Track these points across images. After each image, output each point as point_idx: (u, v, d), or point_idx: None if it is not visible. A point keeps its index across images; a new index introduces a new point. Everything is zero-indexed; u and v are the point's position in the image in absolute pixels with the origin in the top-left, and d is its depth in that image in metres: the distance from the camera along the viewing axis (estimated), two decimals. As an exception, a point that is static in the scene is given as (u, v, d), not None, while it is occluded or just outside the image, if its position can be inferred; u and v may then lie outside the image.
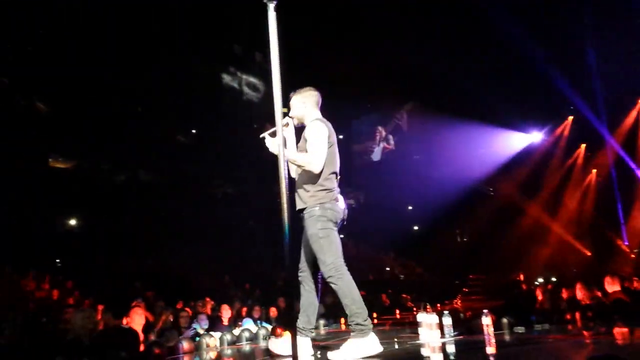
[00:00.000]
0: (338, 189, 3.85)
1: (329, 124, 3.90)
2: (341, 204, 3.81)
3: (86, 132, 15.25)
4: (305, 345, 3.82)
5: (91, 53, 13.33)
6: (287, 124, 3.87)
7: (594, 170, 18.17)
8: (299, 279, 3.95)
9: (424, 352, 4.39)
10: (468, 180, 18.20)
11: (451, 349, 4.27)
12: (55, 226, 15.53)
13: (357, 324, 3.64)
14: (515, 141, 18.04)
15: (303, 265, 3.94)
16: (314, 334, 3.94)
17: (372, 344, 3.59)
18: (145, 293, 10.36)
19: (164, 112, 16.28)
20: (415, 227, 22.63)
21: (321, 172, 3.73)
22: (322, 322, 7.06)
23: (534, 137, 18.14)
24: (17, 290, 10.20)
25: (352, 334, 3.69)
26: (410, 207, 22.67)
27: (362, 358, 3.52)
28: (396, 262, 20.65)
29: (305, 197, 3.75)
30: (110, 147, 16.18)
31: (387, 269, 20.26)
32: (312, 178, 3.74)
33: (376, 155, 20.62)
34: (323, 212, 3.70)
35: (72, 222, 16.53)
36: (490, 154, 17.98)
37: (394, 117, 20.43)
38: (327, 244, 3.68)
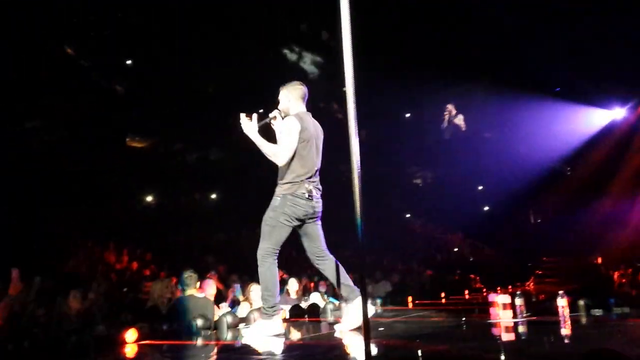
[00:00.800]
0: (310, 184, 3.98)
1: (308, 120, 4.09)
2: (311, 200, 3.96)
3: (161, 113, 15.84)
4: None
5: (167, 34, 13.74)
6: (274, 117, 4.15)
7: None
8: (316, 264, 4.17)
9: (495, 331, 4.30)
10: (544, 159, 17.47)
11: (524, 329, 4.16)
12: (134, 202, 16.31)
13: (264, 308, 4.03)
14: (596, 118, 17.06)
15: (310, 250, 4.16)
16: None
17: (275, 326, 3.98)
18: (217, 267, 10.73)
19: (234, 93, 16.62)
20: (486, 208, 22.07)
21: (289, 166, 3.95)
22: (378, 301, 7.04)
23: (616, 113, 17.08)
24: (99, 262, 10.84)
25: (261, 316, 4.13)
26: (480, 187, 22.09)
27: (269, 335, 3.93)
28: (465, 243, 20.27)
29: (277, 187, 4.03)
30: (183, 126, 16.73)
31: (455, 249, 19.93)
32: (283, 171, 3.99)
33: (446, 134, 20.14)
34: (282, 203, 3.94)
35: (149, 198, 17.29)
36: (568, 131, 17.09)
37: (464, 95, 19.86)
38: (267, 232, 3.96)
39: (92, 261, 10.79)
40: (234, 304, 6.17)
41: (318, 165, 4.10)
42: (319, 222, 4.14)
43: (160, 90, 15.38)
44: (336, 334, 4.17)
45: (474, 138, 19.30)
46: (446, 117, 20.25)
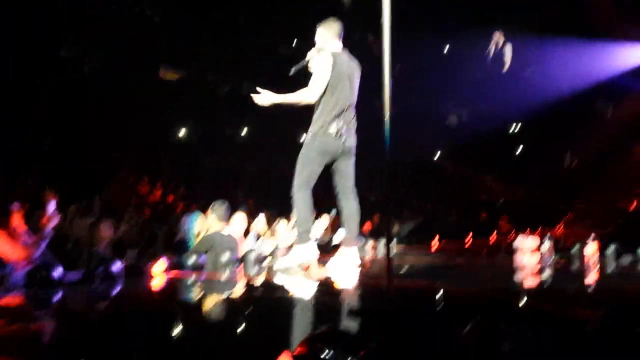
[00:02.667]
0: (341, 121, 4.01)
1: (342, 57, 4.09)
2: (343, 136, 4.01)
3: (194, 45, 15.68)
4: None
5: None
6: (310, 59, 4.14)
7: None
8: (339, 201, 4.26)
9: (520, 275, 4.28)
10: (584, 98, 16.80)
11: (549, 273, 4.12)
12: (166, 135, 16.49)
13: (299, 233, 4.15)
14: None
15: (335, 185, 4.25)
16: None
17: (309, 249, 4.05)
18: (247, 200, 10.89)
19: (268, 26, 16.27)
20: (520, 148, 21.60)
21: (321, 103, 3.99)
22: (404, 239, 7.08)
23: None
24: (132, 194, 11.10)
25: (296, 241, 4.22)
26: (515, 125, 21.54)
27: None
28: (496, 183, 20.01)
29: (311, 124, 4.08)
30: (215, 60, 16.58)
31: (485, 190, 19.71)
32: (316, 108, 4.03)
33: (492, 64, 19.30)
34: (312, 140, 4.03)
35: (182, 131, 17.46)
36: (612, 68, 16.28)
37: (506, 30, 18.94)
38: (300, 167, 4.05)
39: (126, 193, 11.07)
40: (258, 237, 6.26)
41: (352, 101, 4.13)
42: (352, 159, 4.17)
43: (194, 22, 15.16)
44: (355, 270, 4.20)
45: (513, 75, 18.62)
46: (492, 46, 19.40)
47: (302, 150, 4.08)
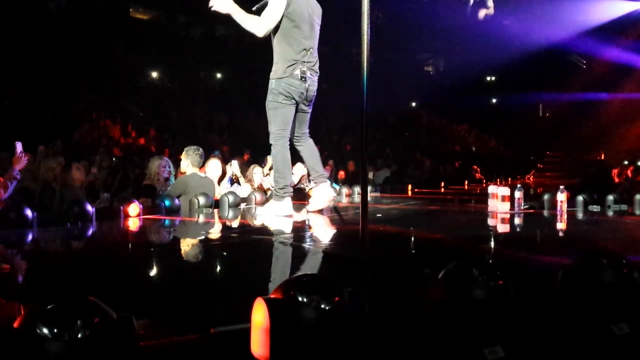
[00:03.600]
0: (304, 65, 3.92)
1: None
2: (307, 80, 3.94)
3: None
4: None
5: None
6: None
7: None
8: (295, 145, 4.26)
9: (491, 222, 4.37)
10: (558, 51, 16.85)
11: (520, 221, 4.22)
12: (138, 76, 16.04)
13: (275, 189, 4.16)
14: (618, 7, 16.14)
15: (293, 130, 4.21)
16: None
17: (285, 207, 4.07)
18: (221, 147, 10.78)
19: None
20: (494, 100, 21.73)
21: (281, 46, 3.91)
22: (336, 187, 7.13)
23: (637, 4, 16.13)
24: (104, 136, 10.88)
25: (273, 197, 4.24)
26: (490, 78, 21.60)
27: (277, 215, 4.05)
28: (470, 134, 20.21)
29: (272, 69, 4.00)
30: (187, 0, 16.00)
31: (459, 140, 19.91)
32: (276, 52, 3.95)
33: (471, 14, 19.10)
34: (276, 85, 3.93)
35: (154, 73, 16.99)
36: (585, 21, 16.26)
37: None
38: (272, 115, 4.00)
39: (96, 135, 10.84)
40: (232, 181, 6.23)
41: (313, 45, 4.03)
42: (311, 107, 4.18)
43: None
44: (333, 217, 4.26)
45: (489, 25, 18.48)
46: None
47: (268, 97, 4.00)
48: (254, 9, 3.99)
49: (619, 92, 17.23)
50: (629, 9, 16.22)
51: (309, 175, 8.51)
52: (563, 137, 17.89)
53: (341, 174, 10.48)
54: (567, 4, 15.53)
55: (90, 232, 3.59)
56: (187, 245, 3.28)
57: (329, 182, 4.39)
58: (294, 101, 3.98)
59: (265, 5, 3.91)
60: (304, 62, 3.93)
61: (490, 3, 18.39)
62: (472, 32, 18.37)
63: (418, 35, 17.74)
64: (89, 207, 3.70)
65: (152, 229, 3.98)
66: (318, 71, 4.08)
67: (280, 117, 3.97)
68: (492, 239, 3.46)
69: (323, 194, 4.26)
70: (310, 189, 6.59)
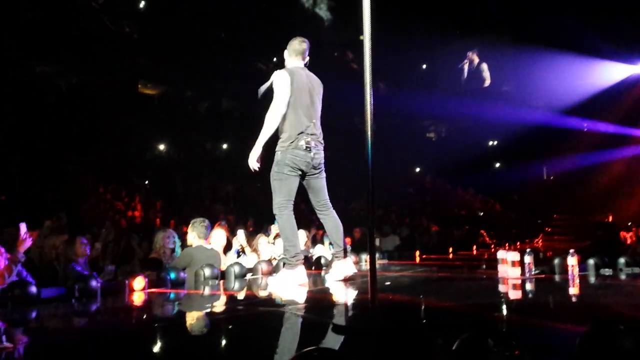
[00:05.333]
0: (308, 136, 4.07)
1: (301, 74, 4.18)
2: (312, 150, 4.07)
3: (173, 59, 15.63)
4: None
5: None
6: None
7: None
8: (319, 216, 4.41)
9: (503, 288, 4.28)
10: (560, 115, 17.12)
11: (531, 286, 4.13)
12: (145, 150, 16.33)
13: (286, 259, 4.21)
14: (616, 72, 16.56)
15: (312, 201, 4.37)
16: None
17: (299, 275, 4.12)
18: (226, 217, 10.78)
19: (246, 40, 16.30)
20: (497, 164, 21.88)
21: (286, 120, 4.07)
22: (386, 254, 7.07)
23: (637, 68, 16.58)
24: (110, 209, 10.93)
25: (284, 266, 4.29)
26: (492, 142, 21.84)
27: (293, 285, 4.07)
28: (475, 198, 20.18)
29: (278, 142, 4.15)
30: (195, 75, 16.54)
31: (465, 205, 19.87)
32: (281, 125, 4.11)
33: (466, 83, 19.70)
34: (282, 157, 4.07)
35: (161, 146, 17.31)
36: (587, 86, 16.65)
37: (481, 49, 19.32)
38: (277, 186, 4.11)
39: (103, 207, 10.89)
40: (238, 253, 6.20)
41: (316, 117, 4.19)
42: (323, 175, 4.27)
43: (172, 36, 15.14)
44: (340, 287, 4.19)
45: (490, 92, 18.94)
46: (466, 65, 19.75)
47: (274, 169, 4.12)
48: (259, 94, 4.18)
49: (620, 155, 17.37)
50: (628, 73, 16.66)
51: (313, 241, 8.50)
52: (569, 200, 17.83)
53: (347, 241, 10.40)
54: (567, 70, 15.96)
55: (94, 307, 3.54)
56: (192, 319, 3.22)
57: (350, 257, 4.41)
58: (300, 172, 4.10)
59: (270, 88, 4.09)
60: (308, 133, 4.07)
61: (486, 75, 18.96)
62: (471, 100, 18.82)
63: (419, 102, 18.14)
64: (94, 282, 3.66)
65: (157, 303, 3.91)
66: (323, 142, 4.21)
67: (286, 188, 4.07)
68: (505, 307, 3.38)
69: (344, 269, 4.31)
70: (312, 255, 6.55)
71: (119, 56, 14.77)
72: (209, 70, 16.11)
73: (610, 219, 13.07)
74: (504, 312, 3.15)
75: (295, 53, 4.28)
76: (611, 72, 16.55)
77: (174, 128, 16.47)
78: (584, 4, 13.38)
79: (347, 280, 4.34)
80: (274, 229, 7.33)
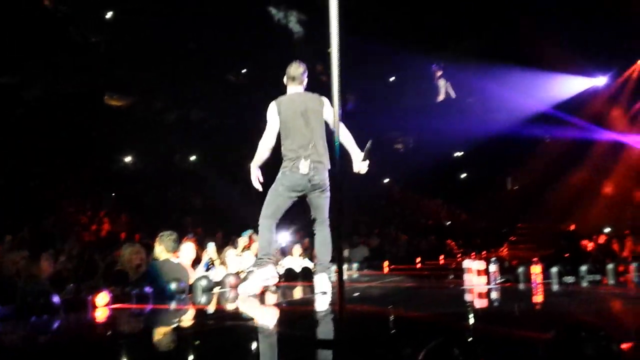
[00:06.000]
0: (307, 159, 4.22)
1: (291, 100, 4.40)
2: (305, 170, 4.21)
3: (140, 70, 15.44)
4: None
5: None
6: None
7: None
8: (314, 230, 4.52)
9: (468, 297, 4.34)
10: (523, 126, 17.54)
11: (497, 295, 4.20)
12: (111, 162, 16.03)
13: (257, 258, 4.45)
14: (576, 85, 17.09)
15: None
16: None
17: (267, 272, 4.29)
18: (195, 229, 10.65)
19: (216, 51, 16.24)
20: (463, 175, 22.23)
21: (284, 144, 4.32)
22: (355, 265, 7.10)
23: (597, 81, 17.14)
24: (74, 223, 10.68)
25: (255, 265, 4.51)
26: (458, 153, 22.21)
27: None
28: (442, 208, 20.46)
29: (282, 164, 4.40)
30: (163, 86, 16.37)
31: (432, 215, 20.12)
32: (282, 149, 4.35)
33: (431, 96, 20.06)
34: (281, 177, 4.30)
35: (127, 158, 17.02)
36: (548, 98, 17.13)
37: (448, 61, 19.70)
38: (269, 199, 4.35)
39: (66, 222, 10.63)
40: (208, 266, 6.13)
41: (314, 138, 4.27)
42: (326, 195, 4.33)
43: (139, 47, 14.97)
44: (309, 299, 4.18)
45: (456, 104, 19.29)
46: (432, 79, 20.09)
47: (273, 185, 4.34)
48: (363, 157, 4.35)
49: (582, 164, 17.89)
50: (585, 86, 17.22)
51: (283, 253, 8.47)
52: (533, 209, 18.23)
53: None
54: (529, 84, 16.39)
55: (56, 324, 3.43)
56: (157, 335, 3.15)
57: (326, 275, 4.39)
58: (295, 193, 4.28)
59: (370, 149, 4.29)
60: (309, 157, 4.21)
61: (450, 90, 19.36)
62: (437, 111, 19.14)
63: (387, 114, 18.35)
64: (56, 299, 3.55)
65: (121, 319, 3.82)
66: (324, 161, 4.27)
67: (275, 205, 4.29)
68: (471, 315, 3.42)
69: (321, 283, 4.33)
70: (286, 268, 6.52)
71: (85, 67, 14.51)
72: (177, 81, 15.96)
73: (572, 228, 13.41)
74: (470, 321, 3.19)
75: (292, 79, 4.45)
76: (572, 85, 17.07)
77: (141, 139, 16.22)
78: (545, 19, 13.80)
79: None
80: (241, 241, 7.30)
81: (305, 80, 4.49)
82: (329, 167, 4.27)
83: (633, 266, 5.54)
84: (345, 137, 4.34)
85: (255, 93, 17.48)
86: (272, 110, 4.32)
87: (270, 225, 4.28)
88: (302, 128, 4.27)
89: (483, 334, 2.72)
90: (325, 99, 4.34)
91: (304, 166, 4.18)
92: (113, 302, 3.89)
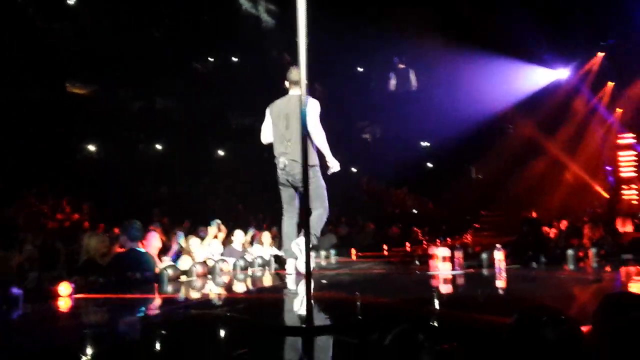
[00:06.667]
0: (284, 156, 4.72)
1: (278, 104, 4.86)
2: (281, 166, 4.73)
3: (104, 58, 15.05)
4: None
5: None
6: None
7: (619, 110, 17.71)
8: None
9: (434, 282, 4.42)
10: (487, 116, 17.85)
11: (461, 281, 4.29)
12: (74, 152, 15.65)
13: (284, 251, 4.94)
14: (540, 77, 17.47)
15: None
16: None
17: (288, 267, 4.73)
18: (161, 219, 10.51)
19: (183, 38, 15.95)
20: (429, 164, 22.51)
21: (274, 144, 4.83)
22: (332, 251, 7.14)
23: (560, 73, 17.55)
24: (36, 213, 10.41)
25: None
26: (425, 143, 22.46)
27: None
28: (409, 197, 20.70)
29: None
30: (128, 74, 16.01)
31: (398, 203, 20.33)
32: None
33: (391, 86, 20.25)
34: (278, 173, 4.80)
35: (91, 148, 16.63)
36: (512, 89, 17.47)
37: (414, 52, 19.85)
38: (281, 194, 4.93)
39: (29, 212, 10.35)
40: (178, 255, 6.08)
41: (291, 138, 4.69)
42: (310, 187, 4.53)
43: (104, 34, 14.59)
44: (278, 286, 4.18)
45: (422, 95, 19.47)
46: (393, 69, 20.24)
47: None
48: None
49: (544, 154, 18.36)
50: (552, 78, 17.62)
51: (252, 241, 8.46)
52: (496, 197, 18.64)
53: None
54: (493, 75, 16.64)
55: (15, 315, 3.35)
56: (122, 325, 3.11)
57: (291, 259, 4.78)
58: (284, 186, 4.84)
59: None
60: (285, 153, 4.70)
61: (413, 80, 19.55)
62: (403, 102, 19.30)
63: (355, 104, 18.42)
64: (16, 290, 3.46)
65: (84, 309, 3.75)
66: (297, 159, 4.59)
67: (282, 198, 4.89)
68: (436, 300, 3.48)
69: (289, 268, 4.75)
70: (255, 255, 6.51)
71: (46, 54, 14.07)
72: (143, 69, 15.63)
73: (534, 215, 13.75)
74: (436, 306, 3.25)
75: (293, 83, 4.77)
76: (536, 77, 17.44)
77: (105, 128, 15.86)
78: (512, 8, 14.00)
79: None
80: (211, 230, 7.26)
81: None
82: (312, 164, 4.60)
83: (592, 252, 5.73)
84: (320, 140, 4.72)
85: (221, 82, 17.30)
86: (266, 113, 4.89)
87: (285, 217, 4.85)
88: (283, 129, 4.75)
89: (448, 319, 2.78)
90: (313, 102, 4.66)
91: (281, 163, 4.71)
92: (76, 292, 3.81)
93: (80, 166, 14.78)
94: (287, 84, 4.86)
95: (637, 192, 17.57)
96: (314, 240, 4.85)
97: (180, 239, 6.34)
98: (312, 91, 2.85)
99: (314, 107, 4.66)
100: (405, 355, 1.39)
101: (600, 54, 16.65)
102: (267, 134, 4.92)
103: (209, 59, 18.81)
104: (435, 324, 2.32)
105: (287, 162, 4.67)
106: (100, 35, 14.39)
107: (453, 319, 2.70)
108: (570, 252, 5.42)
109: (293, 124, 4.66)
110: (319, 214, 4.80)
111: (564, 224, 10.60)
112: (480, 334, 2.13)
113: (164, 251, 6.33)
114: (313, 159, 4.67)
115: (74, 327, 3.12)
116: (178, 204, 13.17)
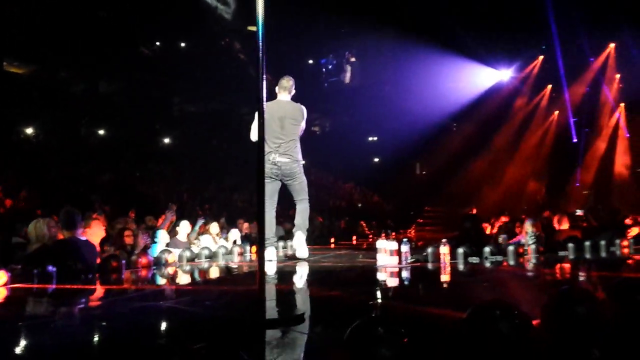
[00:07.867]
0: (275, 153, 5.45)
1: (271, 106, 5.47)
2: (276, 159, 5.45)
3: (45, 37, 14.36)
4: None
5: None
6: None
7: (557, 112, 18.50)
8: None
9: (382, 276, 4.47)
10: (433, 114, 18.24)
11: (409, 274, 4.36)
12: (10, 133, 14.88)
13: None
14: (484, 78, 17.99)
15: None
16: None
17: (269, 254, 5.23)
18: (103, 207, 10.16)
19: (129, 21, 15.42)
20: (376, 159, 22.80)
21: (266, 140, 5.05)
22: (281, 244, 7.12)
23: (503, 74, 18.14)
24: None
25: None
26: (372, 138, 22.73)
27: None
28: (355, 191, 20.91)
29: None
30: (70, 55, 15.35)
31: (345, 197, 20.51)
32: None
33: (345, 79, 20.37)
34: (266, 167, 5.08)
35: (29, 130, 15.87)
36: (458, 89, 17.93)
37: (364, 48, 20.02)
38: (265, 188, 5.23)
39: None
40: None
41: (283, 137, 5.50)
42: (298, 181, 5.62)
43: (45, 11, 13.91)
44: (226, 279, 4.13)
45: (371, 90, 19.67)
46: (345, 63, 20.36)
47: None
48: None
49: (485, 152, 18.96)
50: (496, 79, 18.17)
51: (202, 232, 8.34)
52: (439, 193, 19.12)
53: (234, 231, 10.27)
54: (439, 74, 16.97)
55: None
56: (60, 317, 2.98)
57: (303, 232, 5.65)
58: (273, 179, 5.47)
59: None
60: (277, 150, 5.44)
61: (348, 75, 19.78)
62: (353, 96, 19.42)
63: (304, 97, 18.38)
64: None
65: (19, 299, 3.57)
66: (292, 155, 5.52)
67: (267, 190, 4.95)
68: (388, 294, 3.53)
69: (298, 243, 5.66)
70: (203, 246, 6.43)
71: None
72: (86, 51, 15.01)
73: (474, 211, 14.19)
74: (388, 300, 3.28)
75: (282, 89, 5.72)
76: (481, 77, 17.95)
77: (44, 110, 15.17)
78: (462, 8, 14.32)
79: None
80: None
81: (293, 92, 5.76)
82: (301, 161, 5.59)
83: (531, 248, 5.96)
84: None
85: (168, 67, 16.85)
86: (256, 115, 5.03)
87: (267, 210, 4.96)
88: (275, 129, 5.45)
89: (401, 314, 2.81)
90: (304, 109, 5.71)
91: (273, 157, 5.38)
92: (12, 281, 3.63)
93: (17, 149, 14.09)
94: (277, 89, 5.66)
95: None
96: (305, 233, 5.65)
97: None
98: (266, 83, 2.83)
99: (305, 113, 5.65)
100: (364, 349, 1.40)
101: (541, 57, 17.33)
102: (252, 131, 5.28)
103: (156, 43, 18.31)
104: (394, 319, 2.34)
105: (279, 157, 5.40)
106: (42, 12, 13.73)
107: (407, 313, 2.74)
108: (510, 247, 5.62)
109: (287, 126, 5.50)
110: (306, 207, 5.67)
111: (502, 221, 10.97)
112: (435, 327, 2.17)
113: (106, 240, 6.13)
114: (301, 157, 5.59)
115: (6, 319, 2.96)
116: (122, 191, 12.78)
